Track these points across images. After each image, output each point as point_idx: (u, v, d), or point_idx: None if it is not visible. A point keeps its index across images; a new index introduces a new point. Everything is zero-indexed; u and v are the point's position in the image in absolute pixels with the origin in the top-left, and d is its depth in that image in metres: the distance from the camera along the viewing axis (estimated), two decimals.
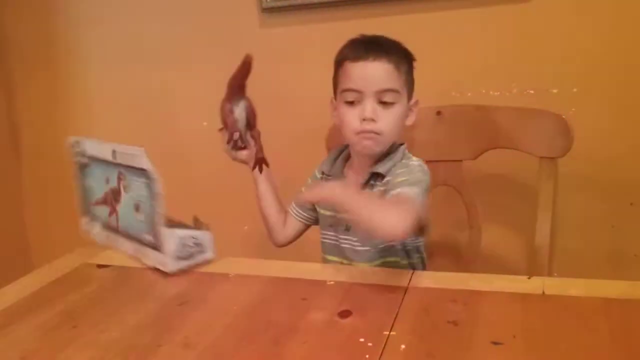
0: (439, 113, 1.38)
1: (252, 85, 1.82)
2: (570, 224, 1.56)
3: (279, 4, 1.72)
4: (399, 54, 1.12)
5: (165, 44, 1.92)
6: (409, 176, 1.09)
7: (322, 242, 1.27)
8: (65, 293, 1.05)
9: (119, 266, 1.17)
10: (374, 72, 1.09)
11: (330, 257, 1.25)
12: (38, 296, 1.06)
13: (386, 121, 1.10)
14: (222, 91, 1.87)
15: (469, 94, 1.58)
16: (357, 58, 1.10)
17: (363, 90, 1.09)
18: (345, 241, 1.21)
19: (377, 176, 1.16)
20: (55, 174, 2.18)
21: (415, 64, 1.17)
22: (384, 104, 1.10)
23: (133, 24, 1.94)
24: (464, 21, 1.57)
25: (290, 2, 1.70)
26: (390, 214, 0.96)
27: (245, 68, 1.14)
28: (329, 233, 1.25)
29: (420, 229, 1.18)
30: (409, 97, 1.16)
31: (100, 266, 1.18)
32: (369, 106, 1.09)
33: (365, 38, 1.14)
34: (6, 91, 2.15)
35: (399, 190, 1.04)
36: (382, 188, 1.14)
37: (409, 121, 1.18)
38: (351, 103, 1.12)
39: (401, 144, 1.20)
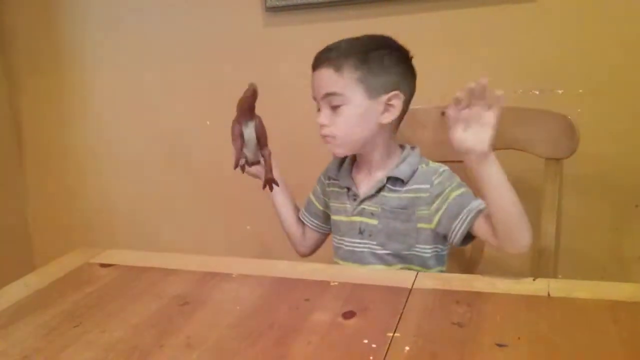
0: (443, 113, 1.36)
1: (256, 83, 1.83)
2: (574, 225, 1.55)
3: (282, 3, 1.71)
4: (347, 54, 1.10)
5: (169, 43, 1.92)
6: (453, 181, 1.13)
7: (337, 248, 1.25)
8: (67, 292, 1.05)
9: (122, 265, 1.17)
10: (319, 79, 1.13)
11: (343, 263, 1.24)
12: (40, 295, 1.05)
13: (337, 124, 1.12)
14: (226, 91, 1.88)
15: None
16: (313, 67, 1.15)
17: (316, 98, 1.15)
18: (363, 245, 1.19)
19: (394, 181, 1.16)
20: (58, 172, 2.20)
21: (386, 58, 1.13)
22: (333, 108, 1.12)
23: (137, 23, 1.94)
24: (468, 21, 1.56)
25: (294, 1, 1.70)
26: (529, 228, 1.01)
27: (252, 95, 1.18)
28: (344, 239, 1.23)
29: (442, 237, 1.16)
30: (373, 93, 1.11)
31: (103, 265, 1.18)
32: (321, 112, 1.14)
33: (328, 45, 1.15)
34: (9, 90, 2.15)
35: (472, 208, 1.08)
36: (400, 195, 1.14)
37: (386, 118, 1.14)
38: (318, 110, 1.16)
39: (413, 147, 1.20)
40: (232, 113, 1.86)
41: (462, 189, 1.12)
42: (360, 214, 1.18)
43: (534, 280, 0.98)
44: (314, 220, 1.33)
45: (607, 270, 1.57)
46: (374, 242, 1.17)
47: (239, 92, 1.85)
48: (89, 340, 0.87)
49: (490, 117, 0.96)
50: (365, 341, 0.82)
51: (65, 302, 1.01)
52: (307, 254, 1.37)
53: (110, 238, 2.16)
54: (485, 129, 0.96)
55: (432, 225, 1.13)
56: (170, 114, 1.98)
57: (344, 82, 1.10)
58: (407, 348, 0.79)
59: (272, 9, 1.74)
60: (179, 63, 1.92)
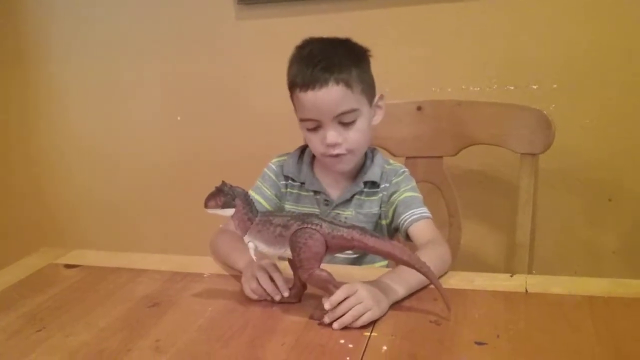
0: (419, 108, 1.35)
1: (227, 77, 1.81)
2: (548, 220, 1.56)
3: None
4: (347, 66, 1.04)
5: (140, 36, 1.87)
6: (408, 184, 1.14)
7: None
8: (30, 295, 1.01)
9: (88, 266, 1.13)
10: (325, 100, 1.03)
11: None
12: (1, 298, 1.00)
13: (352, 139, 1.07)
14: (197, 86, 1.85)
15: (449, 90, 1.56)
16: (305, 87, 1.04)
17: (319, 119, 1.06)
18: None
19: (371, 185, 1.14)
20: (22, 169, 2.13)
21: (371, 59, 1.11)
22: (345, 124, 1.06)
23: (106, 15, 1.88)
24: (443, 16, 1.55)
25: None
26: (446, 253, 1.01)
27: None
28: None
29: (392, 231, 1.17)
30: (370, 100, 1.10)
31: (68, 266, 1.13)
32: (331, 132, 1.05)
33: (307, 57, 1.06)
34: None
35: (416, 212, 1.09)
36: (375, 197, 1.14)
37: (376, 120, 1.13)
38: (313, 129, 1.08)
39: (373, 148, 1.19)
40: (204, 108, 1.84)
41: (415, 193, 1.14)
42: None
43: (511, 276, 0.97)
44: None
45: (580, 265, 1.57)
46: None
47: (211, 87, 1.83)
48: (53, 345, 0.84)
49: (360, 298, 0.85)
50: (342, 341, 0.79)
51: (28, 304, 0.97)
52: None
53: (78, 238, 2.10)
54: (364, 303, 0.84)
55: (388, 221, 1.15)
56: (140, 109, 1.94)
57: (355, 97, 1.05)
58: (384, 348, 0.77)
59: (245, 2, 1.70)
60: (150, 56, 1.87)
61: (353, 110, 1.05)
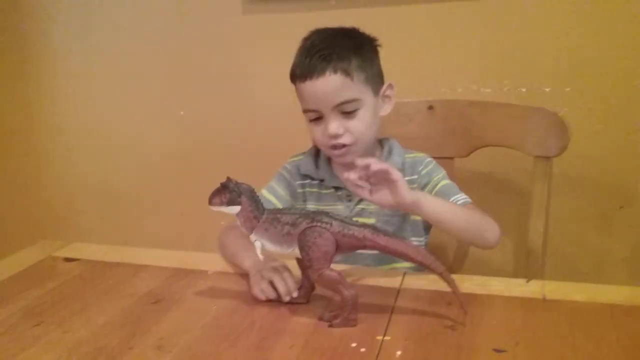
0: (430, 107, 1.32)
1: (232, 72, 1.77)
2: (558, 225, 1.52)
3: None
4: (347, 55, 1.02)
5: (144, 30, 1.84)
6: (439, 172, 1.11)
7: None
8: (27, 288, 0.97)
9: (88, 260, 1.10)
10: (323, 89, 1.01)
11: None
12: None
13: (354, 130, 1.04)
14: (202, 81, 1.82)
15: (460, 90, 1.53)
16: (303, 77, 1.03)
17: (319, 109, 1.04)
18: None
19: None
20: (21, 159, 2.09)
21: (379, 48, 1.09)
22: (346, 113, 1.03)
23: (111, 9, 1.85)
24: (456, 15, 1.52)
25: None
26: (492, 223, 0.99)
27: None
28: None
29: (428, 227, 1.14)
30: (376, 89, 1.07)
31: (67, 260, 1.10)
32: (331, 123, 1.03)
33: (308, 47, 1.04)
34: None
35: (459, 198, 1.06)
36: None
37: (384, 111, 1.10)
38: (316, 120, 1.05)
39: (387, 138, 1.16)
40: (209, 102, 1.81)
41: (449, 181, 1.11)
42: (360, 214, 1.11)
43: (527, 282, 0.94)
44: None
45: (589, 272, 1.54)
46: None
47: (216, 82, 1.80)
48: (50, 341, 0.80)
49: (393, 175, 0.85)
50: (354, 345, 0.76)
51: (25, 298, 0.94)
52: None
53: (77, 230, 2.07)
54: (393, 185, 0.86)
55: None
56: (144, 102, 1.90)
57: (356, 86, 1.03)
58: (398, 352, 0.74)
59: None
60: (155, 50, 1.84)
61: (354, 100, 1.02)
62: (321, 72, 1.01)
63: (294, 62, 1.06)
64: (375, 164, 0.83)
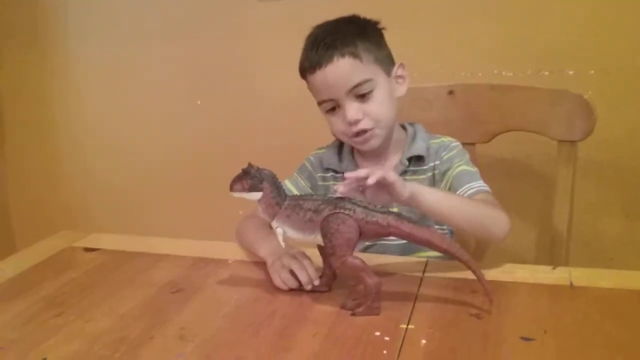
0: (451, 92, 1.29)
1: (248, 60, 1.76)
2: (581, 210, 1.49)
3: None
4: (352, 39, 1.01)
5: (158, 20, 1.83)
6: (462, 157, 1.07)
7: None
8: (48, 278, 0.97)
9: (108, 250, 1.09)
10: (334, 75, 1.01)
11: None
12: (18, 281, 0.98)
13: (373, 112, 1.02)
14: (218, 69, 1.80)
15: (480, 74, 1.50)
16: (312, 68, 1.02)
17: (334, 97, 1.02)
18: (386, 238, 1.10)
19: (415, 161, 1.09)
20: (40, 153, 2.10)
21: (383, 30, 1.08)
22: (362, 96, 1.02)
23: (126, 2, 1.84)
24: None
25: None
26: (499, 215, 0.94)
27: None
28: None
29: None
30: (387, 70, 1.06)
31: (87, 250, 1.10)
32: (349, 109, 1.01)
33: (312, 40, 1.04)
34: None
35: (474, 185, 1.02)
36: (423, 176, 1.08)
37: (400, 92, 1.08)
38: (332, 110, 1.04)
39: (412, 123, 1.14)
40: (225, 91, 1.79)
41: (468, 167, 1.07)
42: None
43: (553, 268, 0.91)
44: None
45: (614, 257, 1.51)
46: None
47: (232, 70, 1.79)
48: (72, 331, 0.80)
49: (389, 178, 0.82)
50: (377, 333, 0.75)
51: (46, 288, 0.94)
52: None
53: (94, 222, 2.07)
54: (391, 187, 0.83)
55: None
56: (159, 92, 1.90)
57: (366, 67, 1.02)
58: (423, 341, 0.72)
59: None
60: (169, 40, 1.83)
61: (367, 81, 1.01)
62: (329, 59, 1.00)
63: (301, 58, 1.06)
64: (372, 177, 0.80)
